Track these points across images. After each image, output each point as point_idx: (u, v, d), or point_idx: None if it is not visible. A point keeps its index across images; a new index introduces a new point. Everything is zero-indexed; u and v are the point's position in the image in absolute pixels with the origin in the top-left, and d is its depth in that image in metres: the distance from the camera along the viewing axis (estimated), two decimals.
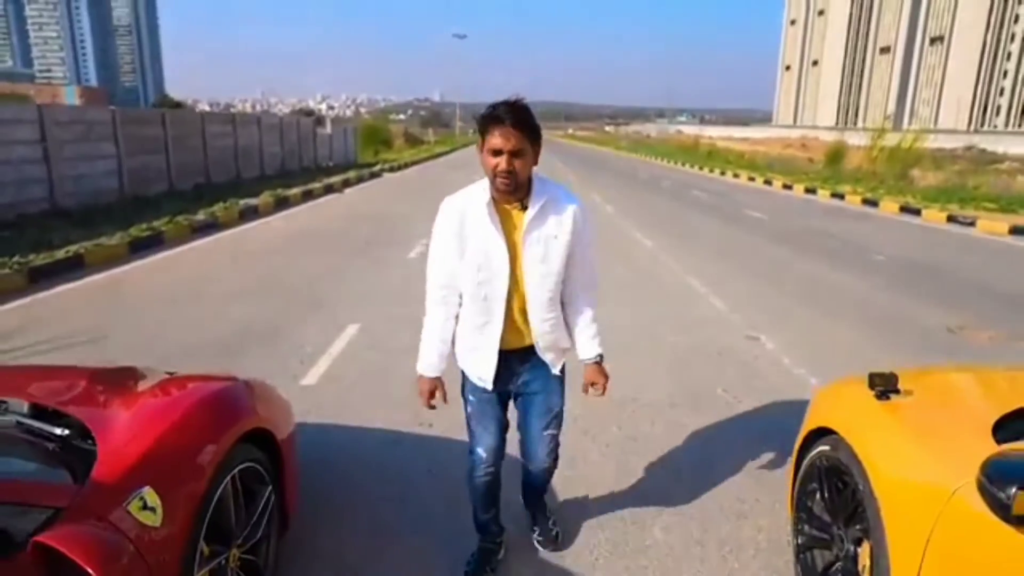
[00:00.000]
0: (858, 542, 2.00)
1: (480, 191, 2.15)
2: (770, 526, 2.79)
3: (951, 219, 13.11)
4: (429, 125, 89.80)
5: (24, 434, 1.89)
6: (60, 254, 7.76)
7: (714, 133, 66.75)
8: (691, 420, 3.82)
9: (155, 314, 6.01)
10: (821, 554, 2.25)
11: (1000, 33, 78.66)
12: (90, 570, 1.26)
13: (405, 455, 3.41)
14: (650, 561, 2.57)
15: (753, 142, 51.21)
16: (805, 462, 2.36)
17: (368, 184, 20.48)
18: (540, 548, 2.65)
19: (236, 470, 2.04)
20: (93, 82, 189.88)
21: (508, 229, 2.14)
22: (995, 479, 1.37)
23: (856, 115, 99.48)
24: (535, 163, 2.11)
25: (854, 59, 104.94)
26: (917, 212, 14.23)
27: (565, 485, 3.07)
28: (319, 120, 31.07)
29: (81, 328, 5.45)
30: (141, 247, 8.94)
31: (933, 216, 13.60)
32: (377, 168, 25.08)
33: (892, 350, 5.12)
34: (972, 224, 12.49)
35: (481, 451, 2.34)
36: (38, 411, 2.03)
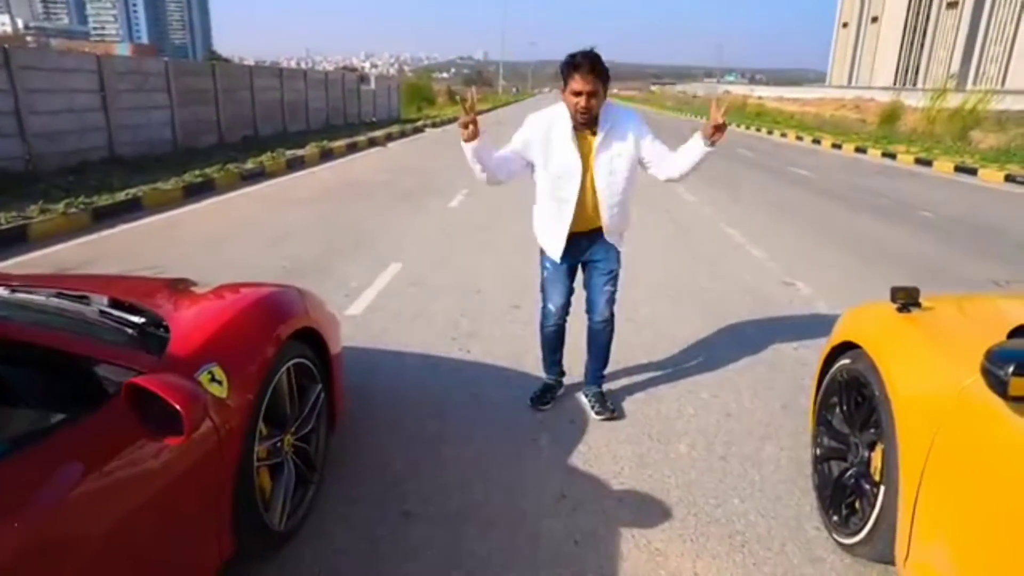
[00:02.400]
0: (871, 446, 2.10)
1: (562, 115, 2.81)
2: (793, 446, 2.90)
3: (1009, 179, 12.60)
4: (472, 83, 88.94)
5: (106, 320, 2.12)
6: (121, 196, 8.17)
7: (764, 93, 64.26)
8: (721, 355, 3.91)
9: (208, 252, 6.32)
10: (837, 464, 2.36)
11: None
12: (178, 407, 1.46)
13: (445, 376, 3.60)
14: (673, 471, 2.71)
15: (804, 103, 49.23)
16: (827, 377, 2.45)
17: (411, 139, 20.63)
18: (600, 419, 3.11)
19: (290, 363, 2.25)
20: (144, 39, 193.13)
21: (583, 148, 2.82)
22: (996, 362, 1.45)
23: (916, 75, 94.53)
24: (604, 99, 2.77)
25: (917, 15, 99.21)
26: (973, 172, 13.69)
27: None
28: (363, 77, 31.13)
29: (141, 263, 5.78)
30: (194, 192, 9.30)
31: (990, 176, 13.09)
32: (420, 124, 25.17)
33: None
34: None
35: (551, 306, 3.10)
36: (117, 304, 2.26)
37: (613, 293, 3.08)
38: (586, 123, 2.79)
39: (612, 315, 3.11)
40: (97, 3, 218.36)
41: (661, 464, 2.76)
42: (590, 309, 3.12)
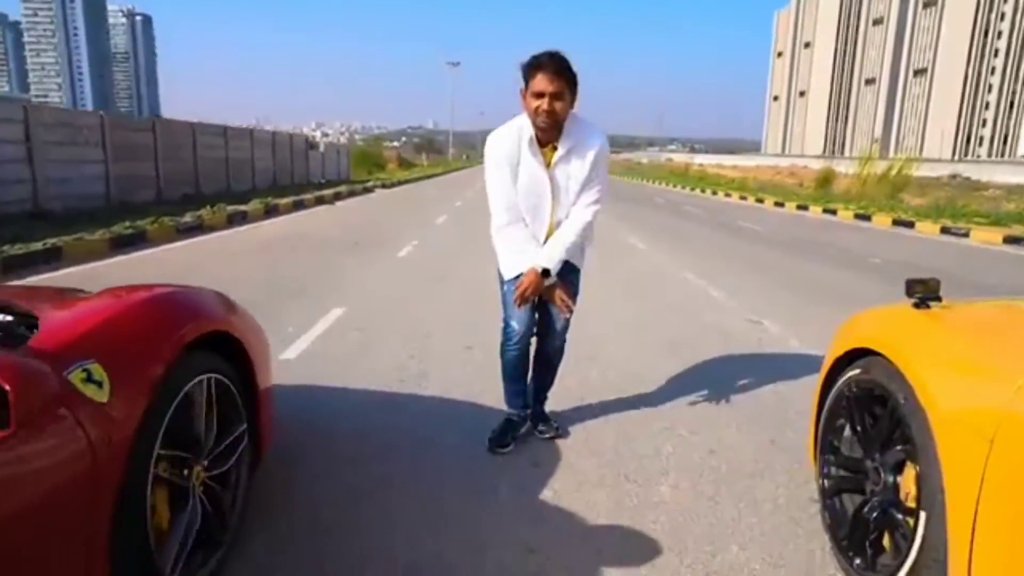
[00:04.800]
0: (898, 468, 1.77)
1: (523, 128, 2.48)
2: (789, 483, 2.55)
3: (944, 231, 13.05)
4: (423, 151, 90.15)
5: None
6: (37, 246, 7.50)
7: (704, 161, 67.13)
8: (696, 393, 3.56)
9: None
10: (851, 498, 2.02)
11: (981, 66, 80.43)
12: (4, 385, 1.12)
13: (391, 416, 3.15)
14: (657, 516, 2.31)
15: (743, 170, 51.54)
16: (830, 397, 2.14)
17: (360, 198, 20.35)
18: (542, 438, 2.89)
19: (203, 377, 1.82)
20: (89, 107, 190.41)
21: (547, 164, 2.53)
22: None
23: (843, 145, 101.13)
24: (572, 107, 2.45)
25: (840, 90, 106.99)
26: (910, 224, 14.18)
27: (563, 446, 2.84)
28: (312, 145, 31.05)
29: None
30: (123, 244, 8.67)
31: (926, 228, 13.55)
32: (370, 184, 24.99)
33: None
34: (966, 235, 12.42)
35: (514, 324, 2.70)
36: None
37: (568, 320, 2.78)
38: (548, 134, 2.48)
39: (564, 341, 2.86)
40: (40, 71, 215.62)
41: (642, 508, 2.36)
42: (543, 334, 2.83)
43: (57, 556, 1.34)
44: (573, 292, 2.72)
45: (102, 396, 1.42)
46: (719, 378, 3.81)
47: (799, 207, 19.59)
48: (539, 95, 2.38)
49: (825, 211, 18.07)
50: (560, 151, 2.51)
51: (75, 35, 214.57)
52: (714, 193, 27.51)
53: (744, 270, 7.97)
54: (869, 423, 1.92)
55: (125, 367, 1.52)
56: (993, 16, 78.67)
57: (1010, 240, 11.49)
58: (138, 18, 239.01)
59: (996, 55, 78.68)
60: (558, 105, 2.39)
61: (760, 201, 22.54)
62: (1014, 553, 1.32)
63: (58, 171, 11.41)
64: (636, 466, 2.69)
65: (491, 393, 3.24)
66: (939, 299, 1.88)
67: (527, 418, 2.92)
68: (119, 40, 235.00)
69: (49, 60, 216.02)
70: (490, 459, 2.74)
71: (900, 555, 1.65)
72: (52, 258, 7.41)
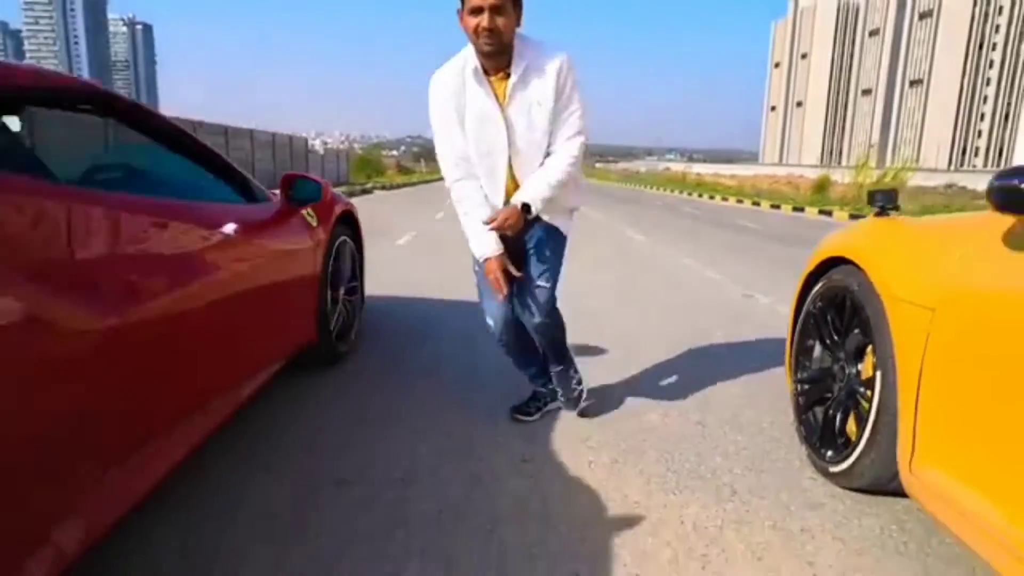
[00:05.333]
0: (859, 356, 1.92)
1: (467, 60, 2.10)
2: (773, 411, 2.67)
3: None
4: (421, 159, 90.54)
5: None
6: None
7: (702, 170, 67.30)
8: (688, 348, 3.69)
9: None
10: (823, 409, 2.14)
11: (976, 78, 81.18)
12: (320, 181, 2.70)
13: (387, 357, 3.26)
14: (647, 436, 2.43)
15: (740, 179, 51.79)
16: (799, 321, 2.29)
17: (359, 198, 20.47)
18: (564, 409, 2.63)
19: (343, 237, 3.26)
20: None
21: (500, 98, 2.11)
22: (1004, 176, 1.31)
23: (840, 155, 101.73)
24: (518, 24, 2.05)
25: (837, 100, 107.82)
26: None
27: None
28: (310, 150, 31.25)
29: None
30: None
31: None
32: (369, 186, 25.18)
33: None
34: None
35: (490, 321, 2.38)
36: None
37: (548, 291, 2.28)
38: (495, 59, 2.06)
39: (550, 314, 2.32)
40: None
41: (632, 430, 2.48)
42: (523, 307, 2.31)
43: (307, 293, 2.73)
44: (557, 261, 2.31)
45: (314, 223, 2.81)
46: (711, 337, 3.93)
47: (795, 209, 19.78)
48: (476, 10, 1.95)
49: (821, 212, 18.23)
50: (513, 78, 2.06)
51: (75, 43, 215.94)
52: (711, 197, 27.71)
53: (741, 258, 8.10)
54: (833, 328, 2.07)
55: (320, 215, 2.90)
56: (988, 28, 79.52)
57: None
58: (138, 27, 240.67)
59: (991, 66, 79.44)
60: (500, 21, 1.96)
61: (756, 204, 22.73)
62: (951, 397, 1.46)
63: None
64: (629, 400, 2.80)
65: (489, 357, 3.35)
66: (897, 208, 2.02)
67: (555, 395, 2.61)
68: (119, 48, 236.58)
69: (49, 68, 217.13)
70: (482, 391, 2.85)
71: (862, 423, 1.78)
72: None
